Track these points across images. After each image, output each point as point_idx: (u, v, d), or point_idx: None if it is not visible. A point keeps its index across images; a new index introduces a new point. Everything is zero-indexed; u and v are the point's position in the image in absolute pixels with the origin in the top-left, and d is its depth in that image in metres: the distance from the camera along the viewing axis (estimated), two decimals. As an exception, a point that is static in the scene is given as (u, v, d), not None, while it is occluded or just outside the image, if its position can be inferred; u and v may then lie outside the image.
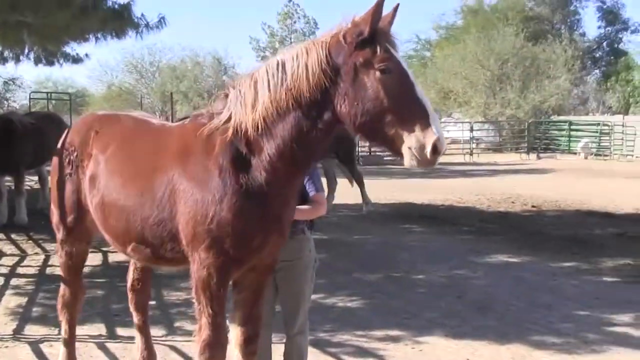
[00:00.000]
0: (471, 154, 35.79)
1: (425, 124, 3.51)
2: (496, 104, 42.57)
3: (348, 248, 10.98)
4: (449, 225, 13.23)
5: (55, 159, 5.08)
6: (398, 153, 3.62)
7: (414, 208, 15.90)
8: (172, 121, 8.62)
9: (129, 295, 5.32)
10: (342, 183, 14.94)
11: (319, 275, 8.84)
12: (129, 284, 5.32)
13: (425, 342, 6.45)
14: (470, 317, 7.25)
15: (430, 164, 3.57)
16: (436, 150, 3.49)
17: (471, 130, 38.15)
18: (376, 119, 3.60)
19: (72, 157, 4.75)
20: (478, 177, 24.67)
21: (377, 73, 3.58)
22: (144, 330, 5.37)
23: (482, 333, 6.68)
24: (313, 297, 7.83)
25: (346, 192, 18.24)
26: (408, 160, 3.56)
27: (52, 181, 5.17)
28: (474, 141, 38.82)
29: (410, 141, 3.52)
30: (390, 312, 7.38)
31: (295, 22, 50.88)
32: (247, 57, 59.14)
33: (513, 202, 16.67)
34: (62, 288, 5.18)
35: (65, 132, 5.17)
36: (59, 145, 5.03)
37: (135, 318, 5.34)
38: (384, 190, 19.08)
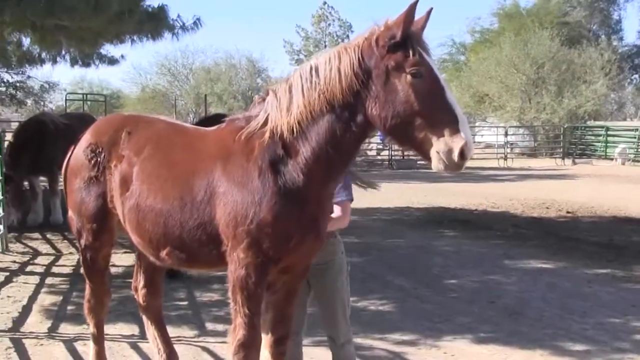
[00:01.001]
0: (505, 159, 35.41)
1: (455, 128, 3.54)
2: (531, 109, 42.10)
3: (380, 252, 10.96)
4: (482, 230, 13.13)
5: (74, 162, 4.82)
6: (426, 156, 3.66)
7: (447, 212, 15.81)
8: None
9: (138, 298, 5.18)
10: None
11: (352, 279, 8.86)
12: (138, 287, 5.16)
13: (457, 347, 6.41)
14: (503, 322, 7.18)
15: (457, 169, 3.61)
16: (463, 155, 3.53)
17: (506, 134, 37.78)
18: (406, 122, 3.65)
19: (99, 159, 4.62)
20: (512, 182, 24.42)
21: (409, 77, 3.63)
22: (163, 332, 5.25)
23: (514, 339, 6.62)
24: (344, 299, 7.88)
25: (378, 196, 18.22)
26: (435, 164, 3.61)
27: (70, 185, 4.87)
28: (509, 146, 38.44)
29: (438, 145, 3.56)
30: (422, 317, 7.35)
31: (329, 25, 50.92)
32: (282, 61, 59.38)
33: (547, 208, 16.47)
34: (88, 293, 5.11)
35: (85, 133, 4.92)
36: (78, 148, 4.81)
37: (149, 322, 5.19)
38: (417, 194, 19.03)
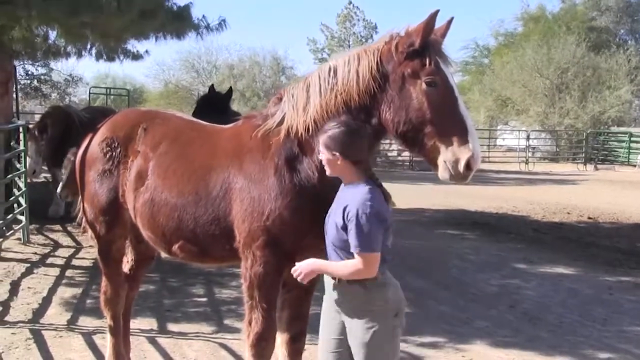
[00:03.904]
0: (527, 163, 35.19)
1: (463, 140, 3.63)
2: (554, 113, 41.75)
3: (399, 253, 10.86)
4: (502, 234, 13.04)
5: (89, 155, 4.89)
6: (434, 164, 3.75)
7: (467, 215, 15.73)
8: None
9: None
10: (392, 188, 14.87)
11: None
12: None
13: (475, 351, 6.37)
14: (522, 327, 7.13)
15: (462, 179, 3.69)
16: (469, 166, 3.62)
17: (528, 138, 37.53)
18: (417, 129, 3.73)
19: (114, 153, 4.69)
20: (533, 186, 24.25)
21: (424, 85, 3.71)
22: (125, 322, 5.39)
23: (533, 344, 6.56)
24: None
25: (398, 197, 18.16)
26: (442, 173, 3.71)
27: (83, 178, 4.95)
28: (530, 150, 38.18)
29: (446, 154, 3.66)
30: (441, 319, 7.31)
31: (354, 25, 50.81)
32: (306, 60, 59.43)
33: (569, 213, 16.33)
34: (104, 285, 5.16)
35: (102, 127, 5.01)
36: (94, 141, 4.88)
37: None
38: (437, 196, 18.94)
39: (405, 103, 3.74)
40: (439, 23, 3.83)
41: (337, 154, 3.60)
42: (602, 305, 8.05)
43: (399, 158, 34.82)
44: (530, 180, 26.98)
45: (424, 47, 3.73)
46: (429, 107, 3.68)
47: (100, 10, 8.66)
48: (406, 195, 17.13)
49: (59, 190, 11.26)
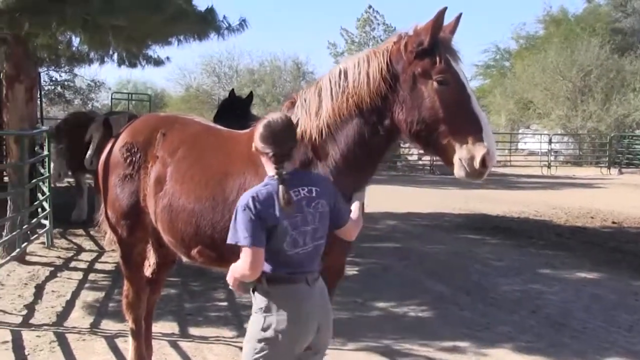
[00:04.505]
0: (549, 167, 34.87)
1: (478, 137, 3.61)
2: (577, 116, 41.36)
3: (420, 257, 10.88)
4: (524, 238, 12.94)
5: (111, 160, 4.94)
6: (449, 163, 3.74)
7: (488, 219, 15.64)
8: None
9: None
10: (412, 192, 14.84)
11: (390, 284, 8.84)
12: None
13: (497, 356, 6.34)
14: (545, 333, 7.06)
15: (478, 176, 3.67)
16: (485, 163, 3.60)
17: (550, 142, 37.21)
18: (431, 128, 3.72)
19: (134, 158, 4.73)
20: (555, 190, 24.04)
21: (435, 84, 3.70)
22: (147, 325, 5.47)
23: (556, 350, 6.51)
24: (384, 305, 7.88)
25: (419, 201, 18.12)
26: (457, 171, 3.69)
27: (105, 182, 5.00)
28: (553, 154, 37.86)
29: (461, 152, 3.64)
30: (461, 324, 7.27)
31: (374, 29, 50.69)
32: (327, 64, 59.29)
33: (592, 218, 16.17)
34: (126, 288, 5.21)
35: (122, 132, 5.08)
36: (115, 146, 4.93)
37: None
38: (458, 200, 18.86)
39: (418, 102, 3.73)
40: (447, 20, 3.81)
41: (254, 145, 3.59)
42: (627, 311, 7.96)
43: (419, 162, 34.71)
44: (553, 184, 26.77)
45: (434, 45, 3.72)
46: (442, 106, 3.67)
47: (134, 12, 8.71)
48: (427, 199, 17.14)
49: (87, 156, 11.43)
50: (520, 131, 48.08)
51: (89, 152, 11.91)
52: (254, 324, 3.54)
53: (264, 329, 3.48)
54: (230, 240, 3.47)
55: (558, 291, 8.88)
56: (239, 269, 3.47)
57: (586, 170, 34.91)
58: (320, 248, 3.59)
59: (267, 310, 3.50)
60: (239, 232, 3.42)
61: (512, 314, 7.74)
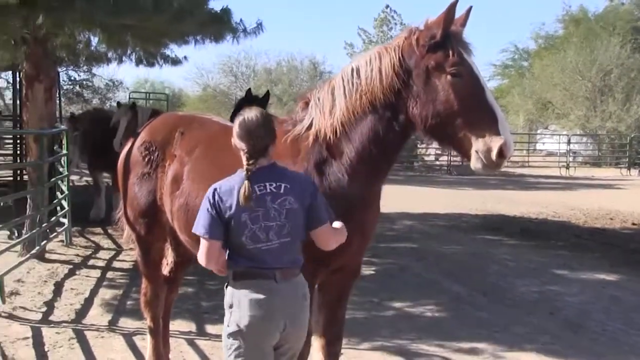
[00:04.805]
0: (567, 168, 34.62)
1: (494, 128, 3.59)
2: (596, 117, 41.02)
3: (437, 258, 10.85)
4: (542, 240, 12.86)
5: (130, 158, 4.99)
6: (466, 155, 3.73)
7: (505, 220, 15.56)
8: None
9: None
10: (429, 192, 14.79)
11: (407, 284, 8.81)
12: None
13: (515, 357, 6.30)
14: (563, 335, 7.01)
15: (495, 167, 3.66)
16: (502, 154, 3.57)
17: (568, 143, 36.95)
18: (446, 121, 3.70)
19: (152, 157, 4.77)
20: (574, 191, 23.86)
21: (448, 77, 3.68)
22: (165, 324, 5.51)
23: (575, 352, 6.46)
24: (400, 305, 7.86)
25: (436, 202, 18.07)
26: (474, 163, 3.68)
27: (125, 181, 5.05)
28: (571, 154, 37.58)
29: (477, 145, 3.62)
30: (479, 325, 7.24)
31: (391, 29, 50.58)
32: (344, 64, 59.24)
33: (611, 219, 16.02)
34: (144, 286, 5.24)
35: (140, 131, 5.14)
36: (134, 145, 4.98)
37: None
38: (476, 200, 18.79)
39: (432, 96, 3.72)
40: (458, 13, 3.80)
41: (233, 142, 3.58)
42: (647, 313, 7.89)
43: (436, 163, 34.62)
44: (571, 185, 26.58)
45: (446, 38, 3.71)
46: (456, 98, 3.65)
47: (139, 10, 8.77)
48: (444, 200, 17.06)
49: (115, 139, 11.49)
50: (538, 132, 47.79)
51: (117, 135, 11.98)
52: (225, 319, 3.59)
53: (229, 325, 3.52)
54: (192, 229, 3.56)
55: (576, 293, 8.81)
56: (199, 258, 3.54)
57: (605, 171, 34.62)
58: (288, 245, 3.51)
59: (231, 305, 3.53)
60: (198, 222, 3.50)
61: (530, 315, 7.69)
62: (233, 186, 3.46)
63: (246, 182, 3.41)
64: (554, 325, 7.33)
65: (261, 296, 3.45)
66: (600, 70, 41.15)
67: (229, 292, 3.55)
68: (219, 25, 10.98)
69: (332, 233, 3.62)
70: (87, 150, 13.72)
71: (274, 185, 3.47)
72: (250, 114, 3.57)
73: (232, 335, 3.50)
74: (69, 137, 11.72)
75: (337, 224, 3.67)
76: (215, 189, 3.49)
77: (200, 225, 3.47)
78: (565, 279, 9.62)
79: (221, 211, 3.44)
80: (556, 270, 10.14)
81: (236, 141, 3.55)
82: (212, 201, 3.45)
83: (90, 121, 13.81)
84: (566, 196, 21.53)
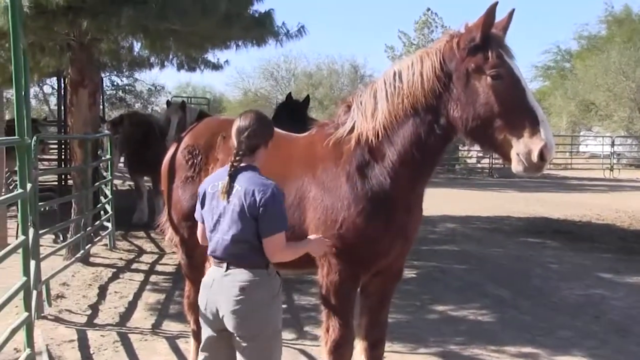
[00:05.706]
0: (611, 170, 34.00)
1: (535, 130, 3.57)
2: (641, 118, 40.24)
3: (480, 261, 10.75)
4: (586, 242, 12.64)
5: (173, 162, 5.03)
6: (506, 158, 3.72)
7: (549, 223, 15.34)
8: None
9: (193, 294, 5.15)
10: (471, 195, 14.67)
11: (449, 287, 8.74)
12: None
13: (560, 362, 6.21)
14: (610, 339, 6.88)
15: (537, 170, 3.63)
16: (543, 156, 3.55)
17: (612, 144, 36.30)
18: (486, 123, 3.70)
19: (195, 160, 4.82)
20: (618, 193, 23.42)
21: (489, 79, 3.69)
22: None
23: (622, 357, 6.34)
24: (443, 308, 7.81)
25: (478, 204, 17.91)
26: (515, 166, 3.66)
27: (169, 185, 5.09)
28: (615, 156, 36.91)
29: (518, 147, 3.61)
30: (522, 329, 7.14)
31: (432, 32, 50.27)
32: (385, 68, 59.02)
33: (658, 222, 15.71)
34: (187, 289, 5.28)
35: (184, 135, 5.18)
36: (178, 149, 5.02)
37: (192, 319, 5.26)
38: (518, 203, 18.58)
39: (472, 99, 3.72)
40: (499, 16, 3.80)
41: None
42: (696, 318, 7.71)
43: (478, 165, 34.33)
44: (615, 187, 26.10)
45: (485, 40, 3.71)
46: (497, 101, 3.65)
47: (187, 14, 8.83)
48: (486, 202, 16.87)
49: (168, 136, 11.67)
50: (581, 133, 47.02)
51: (170, 133, 12.18)
52: None
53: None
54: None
55: (622, 296, 8.65)
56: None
57: (651, 174, 33.91)
58: (233, 245, 3.58)
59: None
60: (197, 208, 3.89)
61: (575, 319, 7.57)
62: (216, 179, 3.75)
63: (227, 178, 3.62)
64: (599, 330, 7.20)
65: (206, 280, 3.75)
66: (645, 71, 40.31)
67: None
68: (261, 30, 11.02)
69: (280, 246, 3.62)
70: (127, 154, 13.93)
71: (238, 186, 3.63)
72: (246, 115, 3.77)
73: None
74: (112, 141, 11.89)
75: (311, 237, 3.85)
76: (207, 179, 3.90)
77: (196, 210, 3.87)
78: (611, 282, 9.44)
79: (202, 199, 3.78)
80: (601, 273, 9.96)
81: (234, 140, 3.76)
82: (199, 190, 3.83)
83: (130, 125, 13.99)
84: (610, 199, 21.16)
